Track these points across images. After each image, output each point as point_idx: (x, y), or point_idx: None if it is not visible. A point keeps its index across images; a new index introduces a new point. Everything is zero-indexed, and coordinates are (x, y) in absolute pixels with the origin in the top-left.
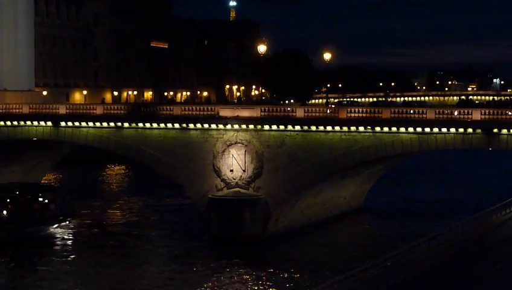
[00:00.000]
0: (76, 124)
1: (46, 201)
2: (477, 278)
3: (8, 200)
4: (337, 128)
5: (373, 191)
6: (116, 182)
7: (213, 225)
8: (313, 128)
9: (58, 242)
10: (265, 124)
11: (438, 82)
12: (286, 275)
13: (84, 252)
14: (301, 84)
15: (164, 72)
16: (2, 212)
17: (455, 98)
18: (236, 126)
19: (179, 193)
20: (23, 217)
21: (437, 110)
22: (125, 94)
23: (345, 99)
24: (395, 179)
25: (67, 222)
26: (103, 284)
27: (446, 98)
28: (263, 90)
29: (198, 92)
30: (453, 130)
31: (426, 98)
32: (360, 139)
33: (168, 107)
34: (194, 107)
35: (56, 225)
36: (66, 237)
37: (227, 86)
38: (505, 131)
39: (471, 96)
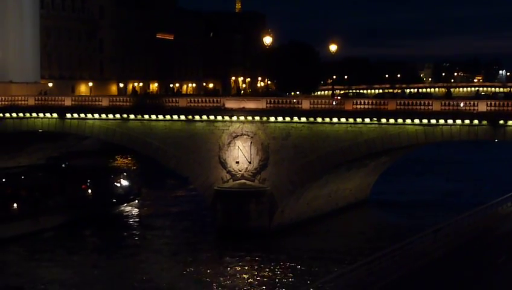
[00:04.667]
0: (82, 116)
1: (121, 181)
2: (482, 269)
3: (89, 180)
4: (343, 120)
5: (379, 183)
6: None
7: (219, 216)
8: (319, 120)
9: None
10: (271, 116)
11: (443, 74)
12: (292, 266)
13: (87, 242)
14: (307, 76)
15: (170, 64)
16: (87, 191)
17: (461, 89)
18: (242, 118)
19: (184, 184)
20: (103, 196)
21: (443, 102)
22: (130, 86)
23: (350, 91)
24: (401, 171)
25: (136, 201)
26: (108, 275)
27: (452, 89)
28: (269, 82)
29: (204, 84)
30: (458, 121)
31: (432, 89)
32: (365, 131)
33: (173, 99)
34: (199, 99)
35: (125, 204)
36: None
37: (233, 78)
38: (510, 122)
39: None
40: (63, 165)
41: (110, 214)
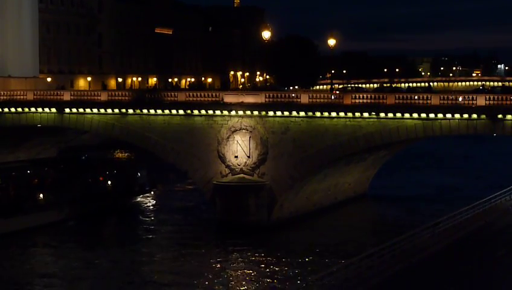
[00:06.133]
0: (81, 110)
1: (138, 174)
2: (481, 263)
3: (108, 172)
4: (341, 114)
5: (378, 177)
6: None
7: (218, 211)
8: (318, 114)
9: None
10: (269, 110)
11: (442, 68)
12: (291, 260)
13: (88, 235)
14: (306, 71)
15: (169, 59)
16: (107, 182)
17: (460, 83)
18: (240, 112)
19: (183, 179)
20: (121, 188)
21: (441, 96)
22: (129, 80)
23: (349, 85)
24: (400, 165)
25: (151, 193)
26: (107, 270)
27: (451, 83)
28: (268, 77)
29: (203, 78)
30: (457, 115)
31: (431, 83)
32: (364, 125)
33: (172, 94)
34: (198, 94)
35: (141, 195)
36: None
37: (232, 72)
38: (509, 116)
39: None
40: (83, 158)
41: (126, 206)
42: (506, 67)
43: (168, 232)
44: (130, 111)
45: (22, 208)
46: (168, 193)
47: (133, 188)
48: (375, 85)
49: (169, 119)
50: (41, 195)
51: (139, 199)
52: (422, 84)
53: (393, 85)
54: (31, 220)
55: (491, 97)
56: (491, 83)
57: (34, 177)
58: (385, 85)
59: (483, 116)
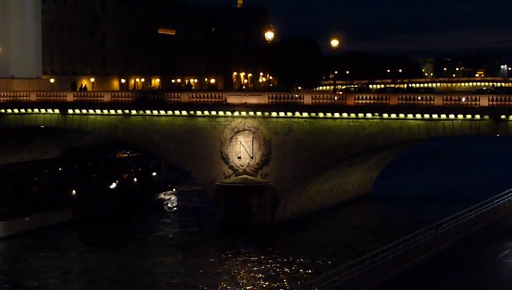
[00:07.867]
0: (84, 111)
1: (159, 172)
2: (484, 264)
3: (133, 170)
4: (344, 115)
5: (381, 178)
6: None
7: (221, 212)
8: (321, 115)
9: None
10: (273, 111)
11: (445, 68)
12: (294, 261)
13: (92, 239)
14: (309, 71)
15: (171, 60)
16: (133, 179)
17: (462, 84)
18: (244, 113)
19: (186, 179)
20: (146, 184)
21: (445, 97)
22: (132, 81)
23: (352, 86)
24: (403, 166)
25: (173, 190)
26: (110, 272)
27: (454, 84)
28: (271, 77)
29: (206, 79)
30: (460, 116)
31: (434, 84)
32: (367, 126)
33: (175, 94)
34: (201, 94)
35: (163, 193)
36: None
37: (235, 73)
38: None
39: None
40: (109, 156)
41: (148, 203)
42: (509, 68)
43: (175, 231)
44: (133, 112)
45: (57, 203)
46: (187, 191)
47: (155, 185)
48: (379, 86)
49: (172, 120)
50: (73, 191)
51: (160, 196)
52: (402, 85)
53: (396, 86)
54: (65, 215)
55: (494, 98)
56: (497, 84)
57: (65, 174)
58: (388, 86)
59: (487, 116)
